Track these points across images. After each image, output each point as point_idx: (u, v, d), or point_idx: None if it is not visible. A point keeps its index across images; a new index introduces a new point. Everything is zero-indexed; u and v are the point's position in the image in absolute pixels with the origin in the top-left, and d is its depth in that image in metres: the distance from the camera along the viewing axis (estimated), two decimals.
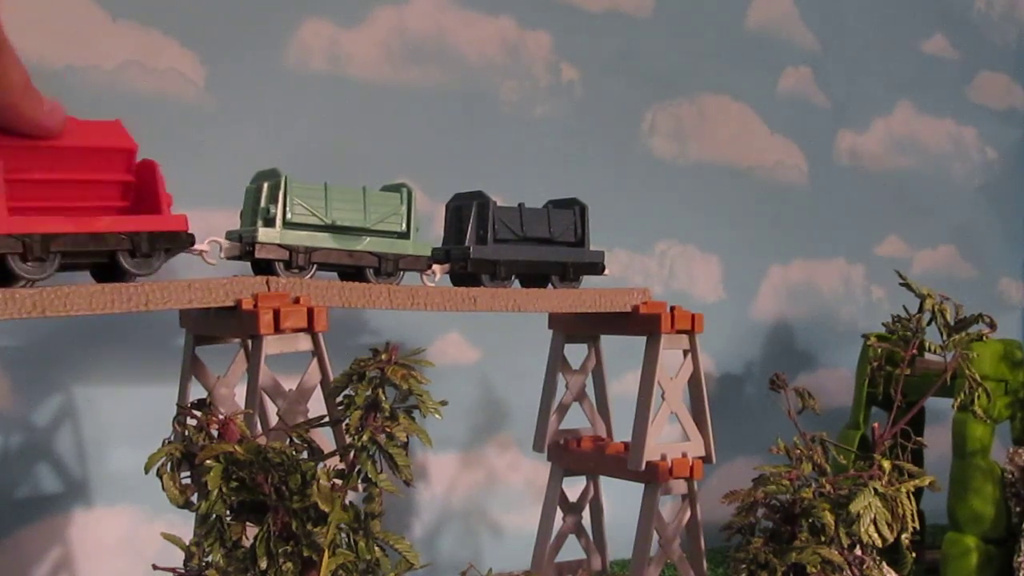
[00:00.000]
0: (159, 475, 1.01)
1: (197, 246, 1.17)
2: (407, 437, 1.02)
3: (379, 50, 1.95)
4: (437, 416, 1.02)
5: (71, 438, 1.68)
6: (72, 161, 1.06)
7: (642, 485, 1.50)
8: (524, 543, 1.67)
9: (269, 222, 1.22)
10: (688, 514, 1.52)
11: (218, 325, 1.25)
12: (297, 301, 1.18)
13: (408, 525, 1.99)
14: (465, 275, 1.39)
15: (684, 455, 1.50)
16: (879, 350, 1.73)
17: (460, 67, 2.04)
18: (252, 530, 0.99)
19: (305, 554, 0.98)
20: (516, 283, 1.44)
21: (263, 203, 1.23)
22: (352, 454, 1.02)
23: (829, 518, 1.25)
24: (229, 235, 1.25)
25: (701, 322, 1.52)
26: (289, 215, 1.23)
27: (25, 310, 1.02)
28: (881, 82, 2.71)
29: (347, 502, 1.02)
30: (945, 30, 2.84)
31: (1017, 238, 3.00)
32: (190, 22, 1.75)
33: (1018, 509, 1.77)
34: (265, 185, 1.23)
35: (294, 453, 1.01)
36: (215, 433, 1.03)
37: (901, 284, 1.58)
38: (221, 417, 1.03)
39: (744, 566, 1.27)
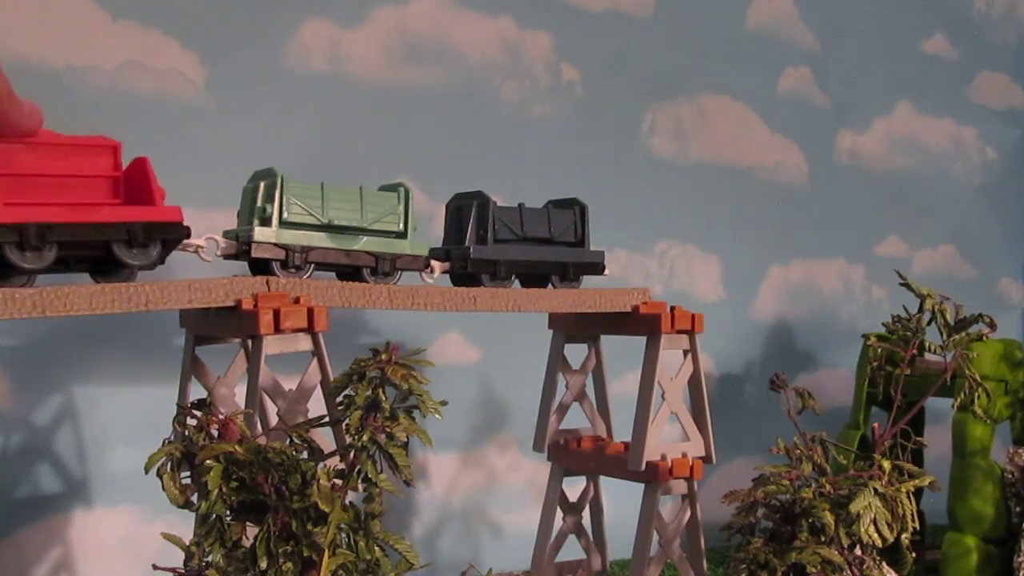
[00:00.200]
0: (159, 475, 1.01)
1: (193, 240, 1.17)
2: (407, 437, 1.02)
3: (379, 50, 1.95)
4: (437, 416, 1.02)
5: (71, 438, 1.68)
6: (58, 157, 1.07)
7: (642, 485, 1.50)
8: (524, 543, 1.67)
9: (265, 221, 1.22)
10: (688, 514, 1.52)
11: (218, 325, 1.25)
12: (297, 301, 1.19)
13: (408, 525, 1.99)
14: (465, 275, 1.39)
15: (684, 455, 1.50)
16: (879, 350, 1.73)
17: (460, 67, 2.04)
18: (252, 530, 0.99)
19: (305, 554, 0.98)
20: (516, 283, 1.44)
21: (259, 202, 1.23)
22: (352, 454, 1.02)
23: (829, 518, 1.25)
24: (226, 234, 1.25)
25: (701, 322, 1.52)
26: (285, 214, 1.23)
27: (25, 310, 1.02)
28: (881, 82, 2.71)
29: (347, 502, 1.02)
30: (945, 30, 2.84)
31: (1017, 238, 3.00)
32: (190, 22, 1.75)
33: (1018, 509, 1.77)
34: (261, 184, 1.23)
35: (294, 453, 1.01)
36: (215, 433, 1.03)
37: (901, 284, 1.58)
38: (221, 417, 1.03)
39: (744, 566, 1.27)
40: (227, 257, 1.24)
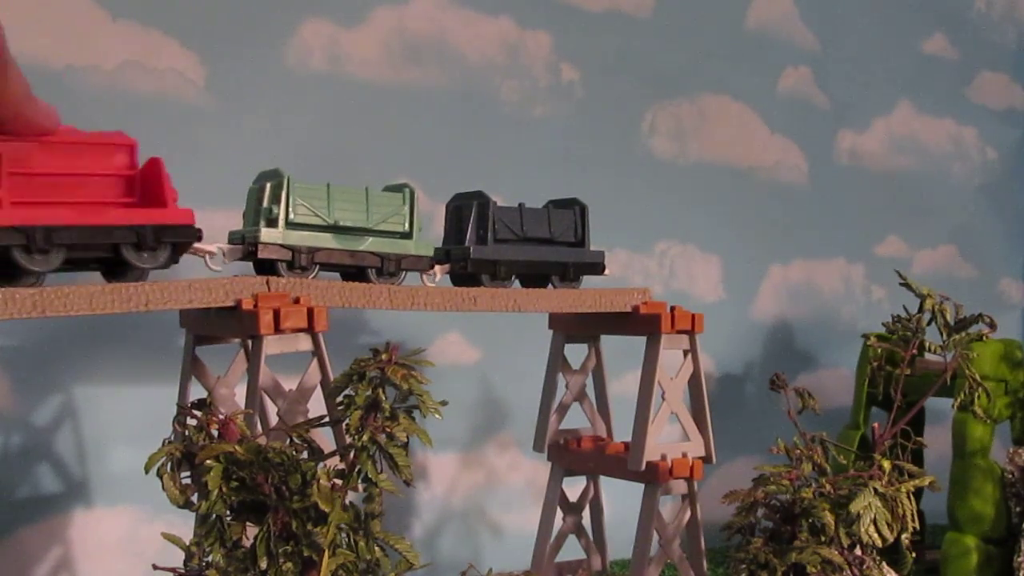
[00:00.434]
0: (159, 475, 1.01)
1: (204, 245, 1.17)
2: (407, 437, 1.02)
3: (379, 50, 1.95)
4: (437, 416, 1.02)
5: (71, 438, 1.68)
6: (73, 155, 1.06)
7: (642, 485, 1.50)
8: (524, 543, 1.67)
9: (272, 222, 1.22)
10: (688, 514, 1.52)
11: (218, 325, 1.25)
12: (297, 301, 1.19)
13: (408, 525, 1.99)
14: (465, 275, 1.39)
15: (684, 455, 1.50)
16: (879, 350, 1.73)
17: (460, 67, 2.04)
18: (252, 530, 0.99)
19: (305, 554, 0.98)
20: (516, 283, 1.44)
21: (266, 203, 1.23)
22: (352, 454, 1.01)
23: (829, 518, 1.25)
24: (232, 235, 1.25)
25: (701, 322, 1.52)
26: (292, 215, 1.23)
27: (25, 310, 1.02)
28: (881, 82, 2.71)
29: (347, 502, 1.02)
30: (945, 30, 2.84)
31: (1017, 238, 3.00)
32: (190, 22, 1.75)
33: (1018, 509, 1.77)
34: (268, 185, 1.23)
35: (294, 453, 1.01)
36: (215, 433, 1.03)
37: (901, 284, 1.58)
38: (221, 417, 1.03)
39: (744, 566, 1.27)
40: (235, 260, 1.24)
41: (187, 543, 1.01)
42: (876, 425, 1.62)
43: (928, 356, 1.62)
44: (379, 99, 1.94)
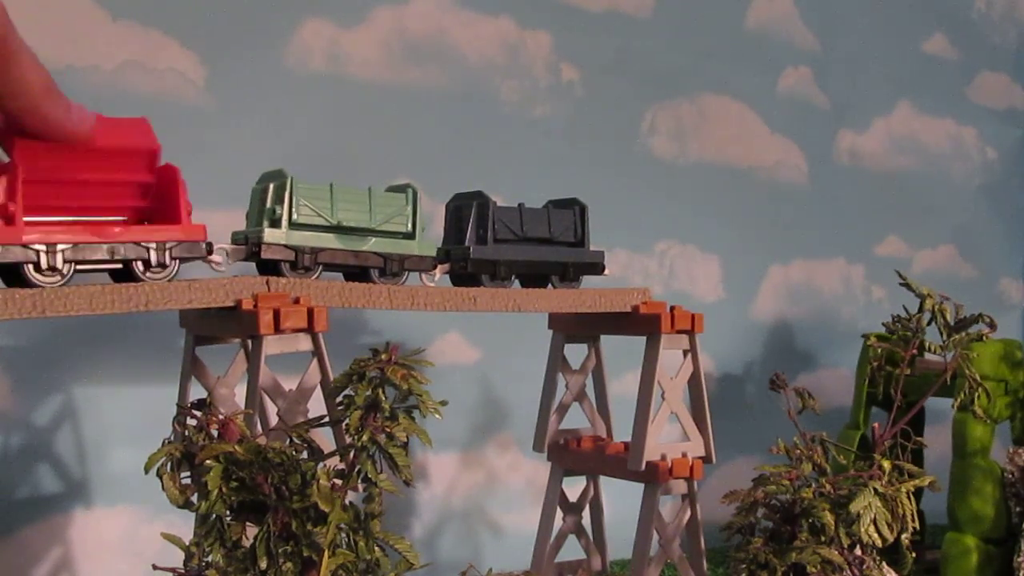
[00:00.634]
0: (159, 475, 1.01)
1: (212, 256, 1.17)
2: (407, 437, 1.02)
3: (379, 50, 1.95)
4: (437, 416, 1.02)
5: (71, 438, 1.68)
6: (93, 162, 1.05)
7: (642, 485, 1.50)
8: (524, 543, 1.67)
9: (275, 223, 1.23)
10: (688, 514, 1.52)
11: (218, 325, 1.25)
12: (297, 301, 1.19)
13: (408, 525, 1.99)
14: (465, 275, 1.39)
15: (684, 455, 1.50)
16: (879, 350, 1.73)
17: (460, 67, 2.04)
18: (252, 530, 0.99)
19: (305, 554, 0.98)
20: (516, 283, 1.44)
21: (269, 204, 1.23)
22: (352, 454, 1.02)
23: (829, 518, 1.25)
24: (234, 236, 1.25)
25: (701, 322, 1.52)
26: (295, 216, 1.23)
27: (25, 310, 1.02)
28: (881, 82, 2.71)
29: (347, 502, 1.02)
30: (945, 30, 2.84)
31: (1017, 238, 3.00)
32: (190, 22, 1.75)
33: (1018, 509, 1.77)
34: (271, 186, 1.24)
35: (294, 453, 1.01)
36: (215, 433, 1.03)
37: (901, 284, 1.58)
38: (221, 417, 1.03)
39: (744, 566, 1.26)
40: (237, 260, 1.24)
41: (187, 543, 1.01)
42: (876, 425, 1.61)
43: (928, 356, 1.62)
44: (379, 99, 1.94)
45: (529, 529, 1.66)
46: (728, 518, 1.33)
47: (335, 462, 1.05)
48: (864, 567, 1.30)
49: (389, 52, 1.96)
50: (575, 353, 1.64)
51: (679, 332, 1.51)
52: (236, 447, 0.98)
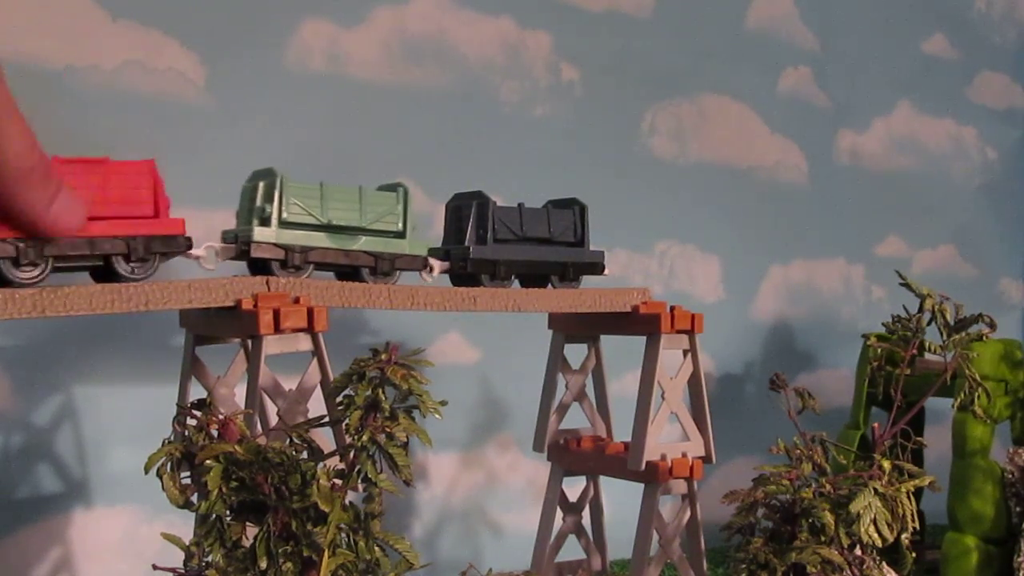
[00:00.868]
0: (159, 475, 1.01)
1: (193, 252, 1.17)
2: (407, 437, 1.02)
3: (379, 50, 1.95)
4: (437, 416, 1.02)
5: (71, 438, 1.68)
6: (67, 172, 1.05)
7: (642, 485, 1.50)
8: (524, 543, 1.67)
9: (265, 221, 1.22)
10: (688, 514, 1.52)
11: (218, 325, 1.25)
12: (297, 301, 1.18)
13: (408, 525, 1.99)
14: (465, 275, 1.39)
15: (684, 455, 1.50)
16: (879, 350, 1.73)
17: (460, 67, 2.04)
18: (252, 530, 0.99)
19: (305, 554, 0.98)
20: (516, 283, 1.44)
21: (259, 202, 1.23)
22: (352, 454, 1.01)
23: (829, 518, 1.25)
24: (225, 235, 1.25)
25: (701, 322, 1.52)
26: (285, 214, 1.23)
27: (25, 310, 1.02)
28: (881, 82, 2.71)
29: (347, 502, 1.02)
30: (945, 30, 2.84)
31: (1017, 238, 3.00)
32: (190, 22, 1.75)
33: (1018, 509, 1.77)
34: (261, 184, 1.23)
35: (294, 453, 1.01)
36: (215, 433, 1.03)
37: (901, 284, 1.58)
38: (221, 417, 1.03)
39: (744, 566, 1.26)
40: (228, 259, 1.24)
41: (187, 543, 1.01)
42: (876, 425, 1.61)
43: (928, 356, 1.62)
44: (379, 99, 1.94)
45: (529, 529, 1.66)
46: (728, 518, 1.33)
47: (335, 462, 1.05)
48: (864, 567, 1.30)
49: (389, 52, 1.96)
50: (575, 353, 1.64)
51: (679, 332, 1.50)
52: (236, 447, 0.98)
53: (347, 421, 1.02)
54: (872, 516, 1.26)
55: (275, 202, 1.22)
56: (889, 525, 1.27)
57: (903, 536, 1.31)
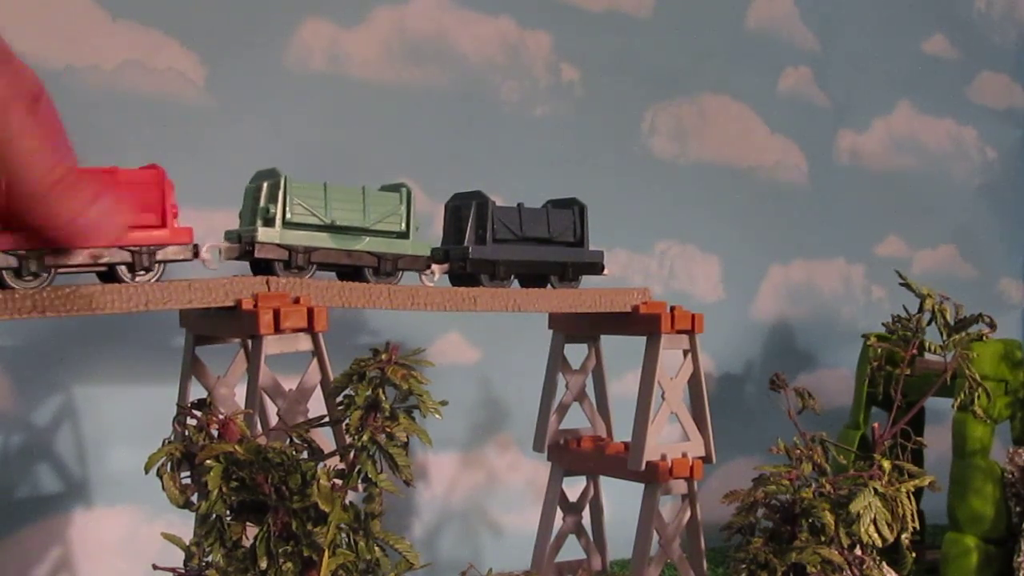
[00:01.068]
0: (159, 475, 1.01)
1: (201, 255, 1.17)
2: (407, 437, 1.02)
3: (379, 50, 1.95)
4: (437, 416, 1.02)
5: (71, 438, 1.68)
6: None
7: (642, 485, 1.50)
8: (524, 543, 1.67)
9: (269, 222, 1.22)
10: (688, 514, 1.52)
11: (218, 325, 1.25)
12: (297, 301, 1.18)
13: (408, 525, 1.99)
14: (464, 275, 1.39)
15: (684, 455, 1.50)
16: (879, 350, 1.73)
17: (460, 67, 2.04)
18: (252, 530, 0.99)
19: (305, 554, 0.98)
20: (515, 283, 1.44)
21: (263, 203, 1.23)
22: (352, 454, 1.01)
23: (829, 518, 1.25)
24: (228, 235, 1.25)
25: (701, 322, 1.52)
26: (289, 215, 1.23)
27: (25, 310, 1.03)
28: (881, 82, 2.71)
29: (347, 502, 1.02)
30: (945, 30, 2.84)
31: (1017, 238, 3.00)
32: (190, 22, 1.75)
33: (1018, 509, 1.77)
34: (265, 185, 1.23)
35: (294, 453, 1.01)
36: (215, 433, 1.03)
37: (901, 284, 1.58)
38: (221, 417, 1.03)
39: (744, 566, 1.26)
40: (230, 259, 1.24)
41: (187, 543, 1.01)
42: (876, 425, 1.62)
43: (928, 356, 1.62)
44: (379, 99, 1.94)
45: (529, 529, 1.66)
46: (728, 518, 1.33)
47: (335, 462, 1.05)
48: (864, 567, 1.30)
49: (389, 52, 1.96)
50: (575, 353, 1.64)
51: (679, 332, 1.50)
52: (236, 447, 0.98)
53: (347, 421, 1.02)
54: (872, 516, 1.26)
55: (279, 202, 1.22)
56: (889, 525, 1.27)
57: (903, 536, 1.31)
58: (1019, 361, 1.84)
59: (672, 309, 1.50)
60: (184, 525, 1.07)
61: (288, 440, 1.07)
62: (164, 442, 1.02)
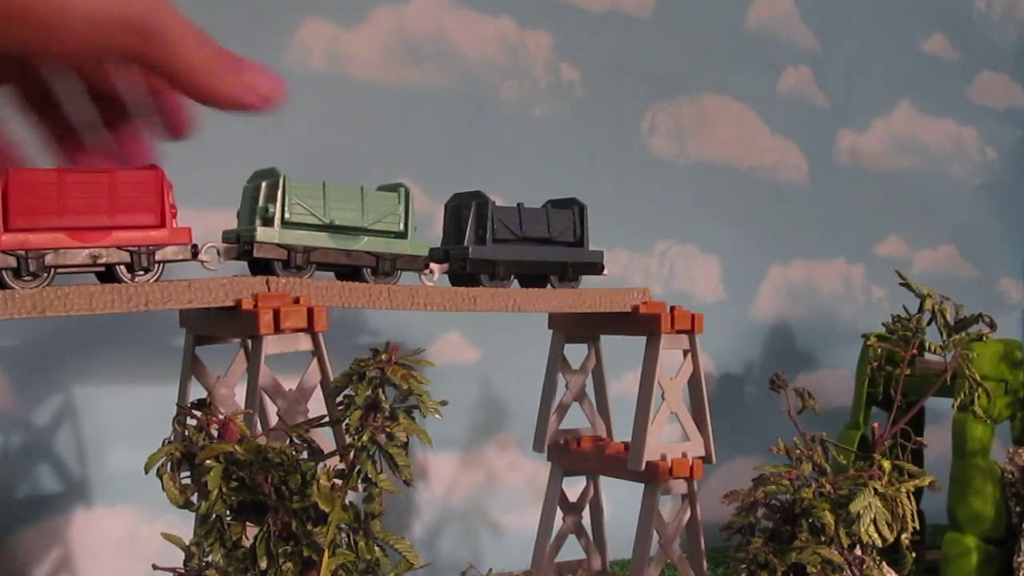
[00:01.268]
0: (159, 475, 1.00)
1: (200, 257, 1.17)
2: (407, 437, 1.02)
3: (379, 50, 1.95)
4: (437, 416, 1.02)
5: (71, 438, 1.67)
6: (92, 194, 1.05)
7: (642, 485, 1.50)
8: (524, 543, 1.67)
9: (268, 221, 1.22)
10: (688, 514, 1.52)
11: (218, 325, 1.25)
12: (297, 301, 1.18)
13: (408, 525, 1.99)
14: (464, 275, 1.39)
15: (684, 455, 1.50)
16: (879, 350, 1.73)
17: (460, 67, 2.04)
18: (252, 530, 0.99)
19: (305, 554, 0.98)
20: (515, 283, 1.44)
21: (261, 202, 1.22)
22: (352, 454, 1.01)
23: (829, 518, 1.25)
24: (225, 235, 1.24)
25: (701, 322, 1.52)
26: (287, 214, 1.22)
27: (25, 310, 1.02)
28: (881, 82, 2.71)
29: (347, 502, 1.02)
30: (945, 30, 2.84)
31: (1017, 238, 3.00)
32: (189, 22, 1.74)
33: (1018, 509, 1.77)
34: (263, 184, 1.23)
35: (294, 453, 1.01)
36: (215, 433, 1.03)
37: (901, 284, 1.58)
38: (221, 417, 1.03)
39: (744, 566, 1.26)
40: (230, 259, 1.24)
41: (187, 543, 1.01)
42: (876, 425, 1.61)
43: (928, 356, 1.62)
44: (379, 99, 1.94)
45: (529, 529, 1.66)
46: (728, 518, 1.33)
47: (335, 462, 1.05)
48: (864, 567, 1.30)
49: (389, 52, 1.96)
50: (575, 353, 1.64)
51: (679, 332, 1.50)
52: (236, 447, 0.98)
53: (347, 421, 1.02)
54: (872, 516, 1.26)
55: (278, 202, 1.22)
56: (889, 525, 1.27)
57: (903, 536, 1.31)
58: (1019, 361, 1.84)
59: (672, 309, 1.50)
60: (184, 525, 1.07)
61: (288, 440, 1.06)
62: (164, 442, 1.02)
